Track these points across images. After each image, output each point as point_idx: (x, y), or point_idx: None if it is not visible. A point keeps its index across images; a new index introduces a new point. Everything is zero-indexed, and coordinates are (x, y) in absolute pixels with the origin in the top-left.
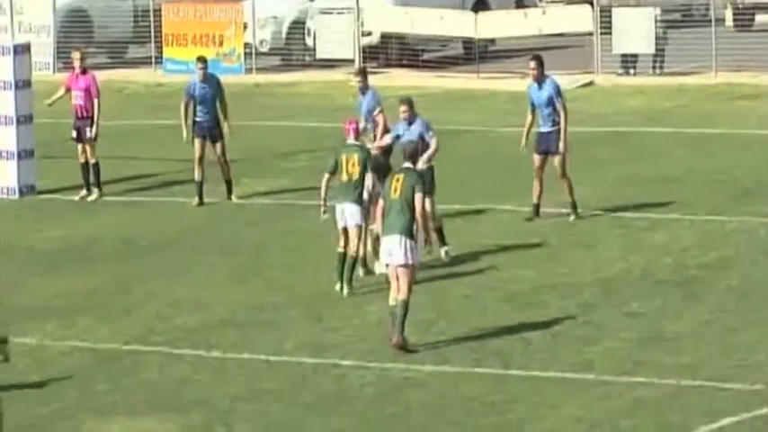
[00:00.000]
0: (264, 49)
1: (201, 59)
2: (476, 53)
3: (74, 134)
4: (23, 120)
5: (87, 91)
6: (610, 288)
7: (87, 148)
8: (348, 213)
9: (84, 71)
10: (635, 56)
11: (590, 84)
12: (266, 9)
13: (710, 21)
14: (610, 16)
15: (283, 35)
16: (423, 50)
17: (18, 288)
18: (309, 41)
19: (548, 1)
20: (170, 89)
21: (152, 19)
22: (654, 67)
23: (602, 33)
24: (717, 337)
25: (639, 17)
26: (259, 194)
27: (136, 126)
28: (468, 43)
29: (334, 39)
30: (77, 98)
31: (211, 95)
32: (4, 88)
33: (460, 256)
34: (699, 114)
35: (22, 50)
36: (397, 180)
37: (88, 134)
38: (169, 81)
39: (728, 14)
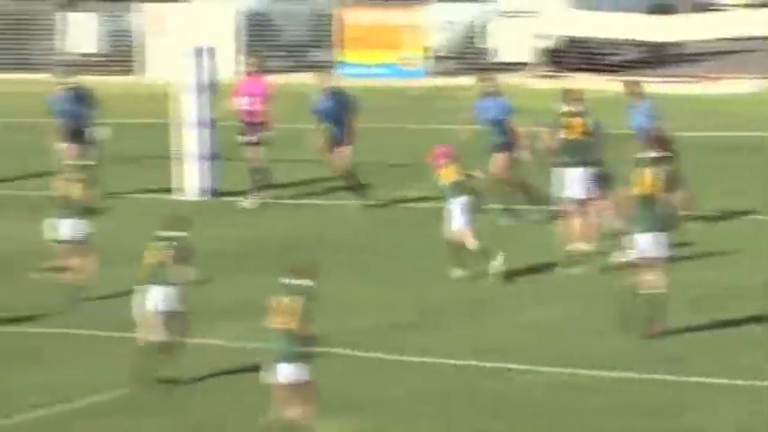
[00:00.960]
0: (444, 52)
1: None
2: (656, 57)
3: (244, 138)
4: (207, 123)
5: (260, 95)
6: None
7: (257, 150)
8: None
9: (257, 76)
10: None
11: None
12: (446, 13)
13: None
14: None
15: (462, 39)
16: (602, 54)
17: (206, 288)
18: (488, 45)
19: (729, 4)
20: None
21: (331, 23)
22: None
23: None
24: None
25: None
26: (432, 198)
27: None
28: (647, 46)
29: (513, 42)
30: (249, 103)
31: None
32: (189, 92)
33: None
34: None
35: (206, 54)
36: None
37: (256, 138)
38: (349, 85)
39: None
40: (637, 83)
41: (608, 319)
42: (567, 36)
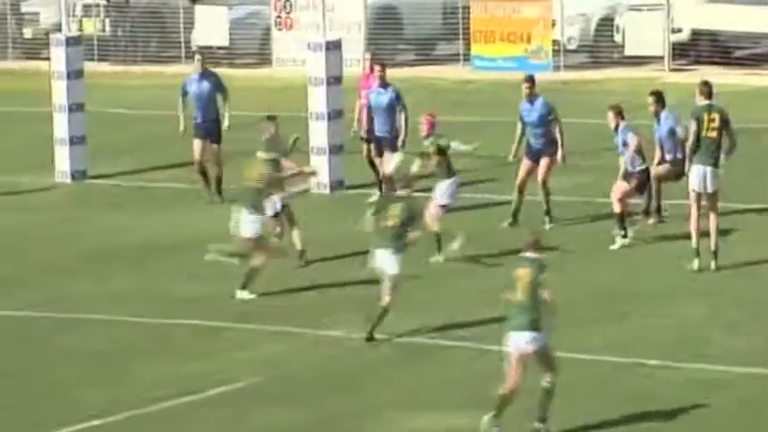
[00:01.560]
0: (573, 46)
1: None
2: None
3: (363, 133)
4: (334, 115)
5: None
6: None
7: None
8: None
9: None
10: None
11: None
12: (575, 6)
13: None
14: None
15: (591, 32)
16: (735, 47)
17: (332, 280)
18: (618, 38)
19: None
20: (477, 86)
21: (460, 16)
22: None
23: None
24: None
25: None
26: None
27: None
28: None
29: (644, 35)
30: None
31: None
32: (317, 84)
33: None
34: None
35: (334, 47)
36: None
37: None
38: (477, 78)
39: None
40: None
41: (740, 314)
42: (699, 29)
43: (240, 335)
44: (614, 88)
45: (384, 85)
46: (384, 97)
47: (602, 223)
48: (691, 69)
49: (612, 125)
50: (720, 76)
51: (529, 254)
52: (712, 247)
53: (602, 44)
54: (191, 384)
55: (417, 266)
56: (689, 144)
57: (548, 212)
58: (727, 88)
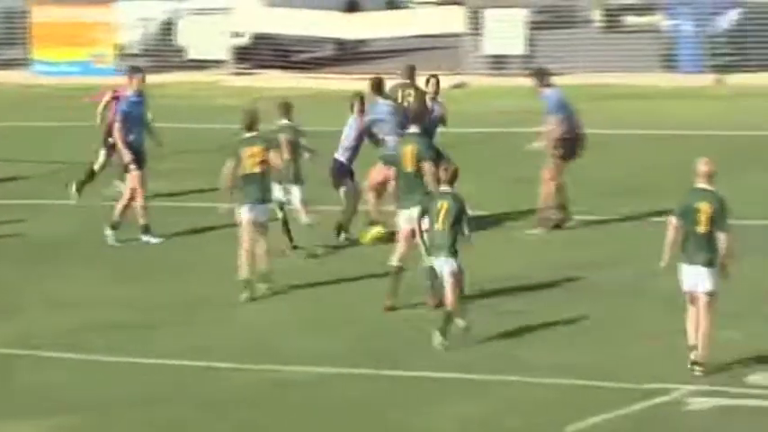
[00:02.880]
0: (136, 50)
1: None
2: (347, 54)
3: None
4: None
5: None
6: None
7: None
8: None
9: None
10: (505, 56)
11: (461, 85)
12: (137, 10)
13: (580, 22)
14: (480, 17)
15: (154, 36)
16: (295, 51)
17: None
18: (180, 42)
19: (418, 2)
20: (42, 91)
21: (22, 20)
22: (524, 68)
23: (472, 34)
24: (591, 336)
25: (509, 18)
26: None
27: (6, 128)
28: (340, 44)
29: (205, 40)
30: None
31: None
32: None
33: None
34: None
35: None
36: None
37: None
38: (40, 83)
39: (597, 15)
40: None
41: (312, 316)
42: (259, 33)
43: None
44: (177, 92)
45: None
46: None
47: (177, 226)
48: (253, 73)
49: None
50: (281, 80)
51: (445, 188)
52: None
53: (164, 48)
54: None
55: None
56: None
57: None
58: (289, 91)
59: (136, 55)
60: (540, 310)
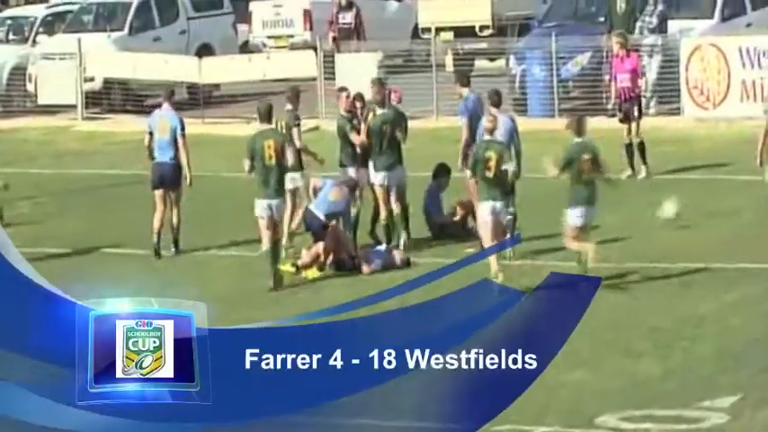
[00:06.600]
0: None
1: None
2: (201, 98)
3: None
4: None
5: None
6: None
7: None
8: None
9: (628, 53)
10: None
11: (316, 128)
12: None
13: (431, 66)
14: (333, 61)
15: (4, 81)
16: (146, 96)
17: None
18: (31, 87)
19: (272, 46)
20: None
21: None
22: None
23: (326, 78)
24: None
25: (362, 62)
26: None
27: None
28: (192, 88)
29: (56, 84)
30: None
31: None
32: None
33: None
34: (425, 157)
35: None
36: None
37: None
38: None
39: (449, 60)
40: None
41: None
42: (111, 78)
43: None
44: (28, 137)
45: None
46: None
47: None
48: (104, 117)
49: None
50: (132, 124)
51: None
52: None
53: (14, 93)
54: None
55: None
56: None
57: None
58: (141, 135)
59: None
60: None
